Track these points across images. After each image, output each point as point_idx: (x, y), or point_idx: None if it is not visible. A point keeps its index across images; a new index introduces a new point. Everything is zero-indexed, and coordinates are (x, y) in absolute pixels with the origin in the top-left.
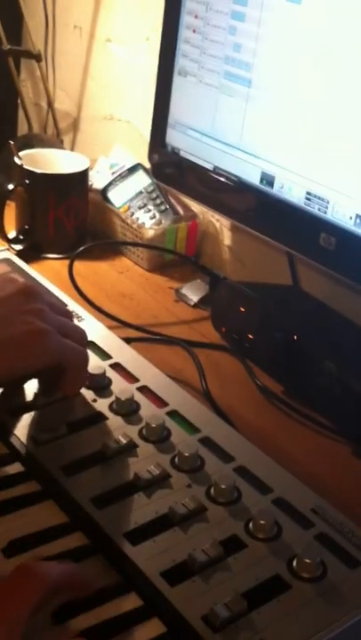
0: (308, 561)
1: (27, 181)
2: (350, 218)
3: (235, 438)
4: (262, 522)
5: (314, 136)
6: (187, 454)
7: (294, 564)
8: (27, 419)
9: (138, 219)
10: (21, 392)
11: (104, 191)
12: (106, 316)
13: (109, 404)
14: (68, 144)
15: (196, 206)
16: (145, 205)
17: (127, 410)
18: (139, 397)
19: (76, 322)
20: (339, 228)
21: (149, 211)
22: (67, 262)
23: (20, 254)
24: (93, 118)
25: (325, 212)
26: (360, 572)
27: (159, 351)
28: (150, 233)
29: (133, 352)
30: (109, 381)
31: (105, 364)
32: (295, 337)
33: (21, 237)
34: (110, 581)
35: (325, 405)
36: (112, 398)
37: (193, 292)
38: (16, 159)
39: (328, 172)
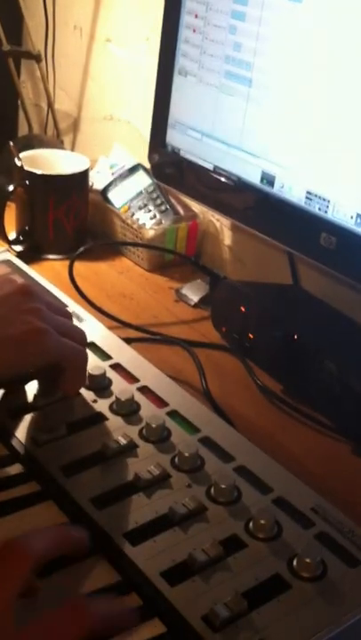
0: (308, 560)
1: (27, 182)
2: (351, 217)
3: (235, 438)
4: (262, 521)
5: (314, 135)
6: (187, 454)
7: (294, 563)
8: (27, 419)
9: (138, 219)
10: (21, 393)
11: (104, 191)
12: (106, 316)
13: (109, 405)
14: (68, 144)
15: (196, 206)
16: (145, 205)
17: (127, 410)
18: (139, 397)
19: (76, 322)
20: (339, 227)
21: (150, 211)
22: (67, 263)
23: (20, 255)
24: (93, 118)
25: (326, 212)
26: (360, 571)
27: (159, 351)
28: (150, 233)
29: (134, 352)
30: (109, 382)
31: (105, 365)
32: (295, 336)
33: (21, 238)
34: (110, 581)
35: (325, 404)
36: (112, 398)
37: (193, 292)
38: (16, 160)
39: (329, 171)
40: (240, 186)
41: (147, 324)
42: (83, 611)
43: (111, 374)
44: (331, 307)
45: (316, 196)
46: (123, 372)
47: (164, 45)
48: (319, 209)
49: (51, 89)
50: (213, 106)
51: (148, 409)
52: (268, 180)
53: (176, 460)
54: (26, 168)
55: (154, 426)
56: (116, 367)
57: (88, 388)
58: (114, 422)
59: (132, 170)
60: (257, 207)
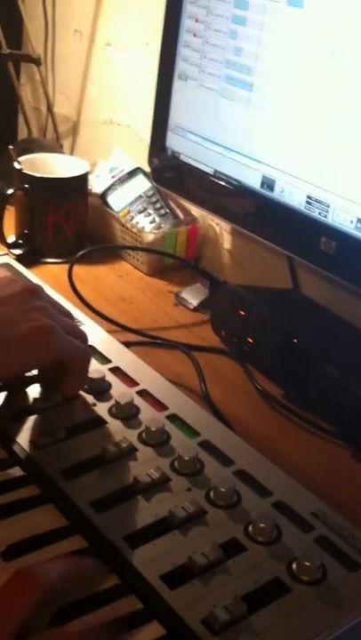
0: (307, 564)
1: (26, 186)
2: (351, 222)
3: (234, 442)
4: (262, 525)
5: (314, 140)
6: (186, 458)
7: (294, 566)
8: (27, 423)
9: (137, 223)
10: (22, 396)
11: (104, 195)
12: (105, 320)
13: (109, 408)
14: (67, 148)
15: (195, 210)
16: (145, 209)
17: (127, 414)
18: (138, 401)
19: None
20: (339, 231)
21: (149, 215)
22: (66, 267)
23: (19, 259)
24: (93, 122)
25: (326, 216)
26: (360, 574)
27: (159, 355)
28: (150, 237)
29: (133, 356)
30: (109, 385)
31: (104, 368)
32: (295, 341)
33: (21, 242)
34: (110, 584)
35: (325, 409)
36: (112, 402)
37: (193, 296)
38: (16, 164)
39: (329, 175)
40: (240, 190)
41: (146, 327)
42: (30, 577)
43: (111, 378)
44: (331, 311)
45: (316, 200)
46: (122, 376)
47: (165, 49)
48: (319, 213)
49: (50, 93)
50: (214, 110)
51: (147, 412)
52: (269, 184)
53: (176, 463)
54: (25, 171)
55: (153, 429)
56: (116, 371)
57: (88, 392)
58: (113, 426)
59: (132, 174)
60: (257, 211)
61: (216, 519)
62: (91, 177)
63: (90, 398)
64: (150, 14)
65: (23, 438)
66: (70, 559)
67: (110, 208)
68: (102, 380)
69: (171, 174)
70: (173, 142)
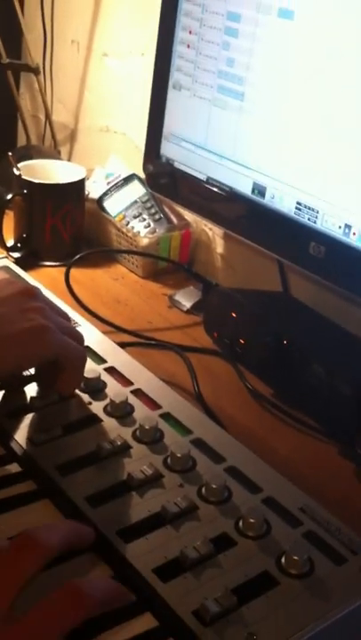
0: (296, 558)
1: (25, 191)
2: (339, 227)
3: (226, 440)
4: (252, 520)
5: (304, 148)
6: (179, 455)
7: (283, 560)
8: (24, 420)
9: (133, 227)
10: (19, 395)
11: (100, 200)
12: (101, 321)
13: (104, 407)
14: (65, 155)
15: (189, 215)
16: (140, 214)
17: (121, 412)
18: (133, 400)
19: (73, 325)
20: (328, 237)
21: (144, 220)
22: (63, 269)
23: (18, 262)
24: (90, 130)
25: (315, 222)
26: (346, 568)
27: (153, 356)
28: (145, 241)
29: (128, 356)
30: (104, 385)
31: (100, 368)
32: (285, 342)
33: (19, 245)
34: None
35: (313, 408)
36: (107, 401)
37: (186, 299)
38: (15, 170)
39: (318, 182)
40: (232, 196)
41: (141, 329)
42: (35, 542)
43: (106, 377)
44: (319, 313)
45: (305, 206)
46: (117, 376)
47: (159, 60)
48: (308, 219)
49: (49, 101)
50: (207, 119)
51: (141, 411)
52: (260, 190)
53: (168, 460)
54: (24, 177)
55: (147, 427)
56: (111, 370)
57: (83, 391)
58: (108, 424)
59: (127, 180)
60: (248, 217)
61: (207, 514)
62: (87, 183)
63: (85, 397)
64: (146, 26)
65: (20, 435)
66: (70, 524)
67: (106, 213)
68: (98, 379)
69: (165, 180)
70: (168, 150)
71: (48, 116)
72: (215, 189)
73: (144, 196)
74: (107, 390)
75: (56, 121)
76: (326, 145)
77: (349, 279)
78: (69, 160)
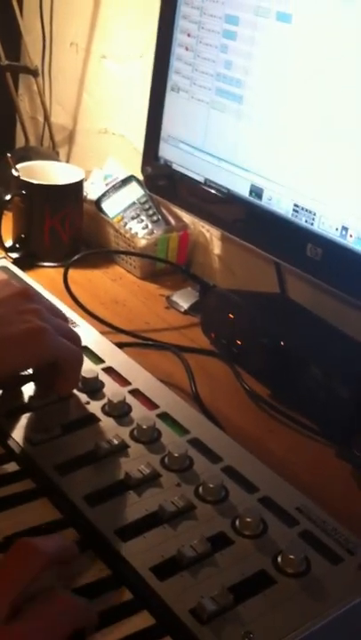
0: (292, 557)
1: (23, 192)
2: (336, 229)
3: (223, 440)
4: (248, 519)
5: (301, 150)
6: (176, 455)
7: (279, 559)
8: (23, 420)
9: (131, 228)
10: (18, 394)
11: (98, 202)
12: (99, 321)
13: (102, 407)
14: (63, 156)
15: (187, 217)
16: (138, 216)
17: (119, 412)
18: (130, 400)
19: (70, 327)
20: (325, 239)
21: (142, 221)
22: (62, 270)
23: (16, 262)
24: (88, 132)
25: (312, 224)
26: (342, 567)
27: (150, 356)
28: (143, 242)
29: (125, 356)
30: (102, 384)
31: (98, 368)
32: (282, 343)
33: (18, 246)
34: (101, 576)
35: (310, 409)
36: (105, 401)
37: (183, 300)
38: (13, 171)
39: (315, 184)
40: (230, 198)
41: (138, 329)
42: (33, 549)
43: (104, 377)
44: (316, 315)
45: (302, 208)
46: (115, 376)
47: (158, 62)
48: (306, 221)
49: (47, 103)
50: (205, 121)
51: (139, 411)
52: (257, 192)
53: (166, 460)
54: (23, 178)
55: (145, 427)
56: (109, 370)
57: (81, 391)
58: (106, 423)
59: (126, 181)
60: (246, 219)
61: (204, 514)
62: (86, 184)
63: (84, 397)
64: (144, 28)
65: (19, 435)
66: (58, 537)
67: (105, 214)
68: (96, 379)
69: (163, 182)
70: (166, 151)
71: (47, 118)
72: (213, 191)
73: (142, 198)
74: (105, 390)
75: (55, 123)
76: (324, 147)
77: (346, 281)
78: (68, 162)
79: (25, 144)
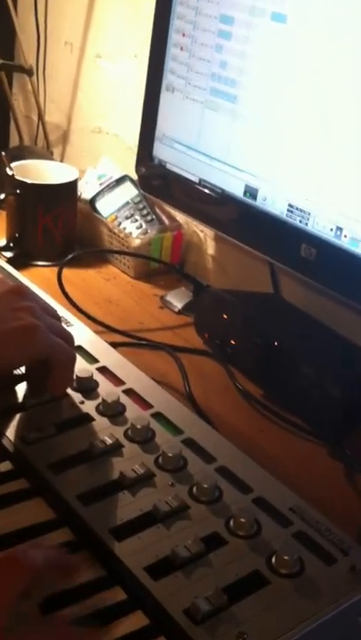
0: (286, 557)
1: (18, 191)
2: (331, 230)
3: (216, 440)
4: (242, 520)
5: (296, 150)
6: (170, 454)
7: (273, 560)
8: (17, 419)
9: (125, 228)
10: (11, 394)
11: (92, 201)
12: (93, 321)
13: (96, 406)
14: (57, 156)
15: (180, 216)
16: (132, 215)
17: (113, 411)
18: (124, 400)
19: (64, 326)
20: (319, 239)
21: (136, 220)
22: (56, 269)
23: (10, 261)
24: (83, 131)
25: (306, 224)
26: (336, 568)
27: (144, 356)
28: (137, 242)
29: (119, 356)
30: (96, 384)
31: (92, 368)
32: (275, 343)
33: (12, 245)
34: (96, 575)
35: (303, 409)
36: (99, 400)
37: (177, 299)
38: (7, 169)
39: (309, 184)
40: (224, 198)
41: (132, 329)
42: (18, 561)
43: (98, 377)
44: (309, 315)
45: (297, 208)
46: (109, 375)
47: (153, 62)
48: (300, 221)
49: (41, 102)
50: (199, 121)
51: (133, 411)
52: (251, 192)
53: (160, 459)
54: (17, 177)
55: (139, 427)
56: (103, 370)
57: (75, 390)
58: (100, 423)
59: (120, 181)
60: (240, 219)
61: (198, 514)
62: (80, 183)
63: (78, 396)
64: (139, 27)
65: (13, 434)
66: (56, 548)
67: (99, 213)
68: (90, 378)
69: (157, 182)
70: (160, 151)
71: (41, 117)
72: (207, 191)
73: (136, 197)
74: (99, 390)
75: (49, 122)
76: (318, 147)
77: (340, 281)
78: (62, 161)
79: (19, 143)
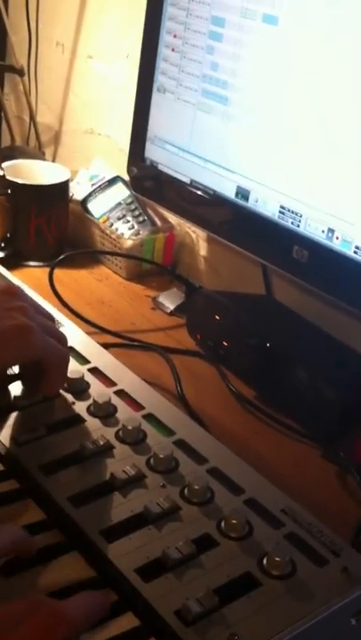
0: (277, 559)
1: (9, 191)
2: (322, 231)
3: (208, 441)
4: (234, 521)
5: (288, 152)
6: (162, 456)
7: (265, 561)
8: (7, 420)
9: (117, 229)
10: (3, 394)
11: (84, 202)
12: (85, 322)
13: (87, 407)
14: (49, 156)
15: (173, 218)
16: (124, 216)
17: (105, 412)
18: (116, 401)
19: (56, 326)
20: (311, 241)
21: (128, 221)
22: (47, 270)
23: (1, 262)
24: (74, 132)
25: (298, 226)
26: (328, 569)
27: (136, 357)
28: (129, 243)
29: (111, 357)
30: (88, 385)
31: (84, 369)
32: (268, 344)
33: (3, 245)
34: (86, 577)
35: (296, 410)
36: (90, 401)
37: (169, 301)
38: None
39: (301, 186)
40: (216, 199)
41: (124, 330)
42: (62, 618)
43: (89, 378)
44: (301, 317)
45: (289, 210)
46: (101, 376)
47: (144, 63)
48: (292, 223)
49: (33, 102)
50: (191, 122)
51: (124, 412)
52: (243, 194)
53: (151, 461)
54: (8, 177)
55: (130, 428)
56: (95, 371)
57: (67, 391)
58: (92, 424)
59: (112, 182)
60: (232, 220)
61: (190, 515)
62: (72, 184)
63: (69, 397)
64: (131, 28)
65: (4, 434)
66: (95, 596)
67: (90, 214)
68: (81, 379)
69: (149, 183)
70: (152, 152)
71: (32, 118)
72: (199, 192)
73: (128, 199)
74: (90, 391)
75: (40, 122)
76: (310, 149)
77: (332, 283)
78: (54, 162)
79: (11, 143)
